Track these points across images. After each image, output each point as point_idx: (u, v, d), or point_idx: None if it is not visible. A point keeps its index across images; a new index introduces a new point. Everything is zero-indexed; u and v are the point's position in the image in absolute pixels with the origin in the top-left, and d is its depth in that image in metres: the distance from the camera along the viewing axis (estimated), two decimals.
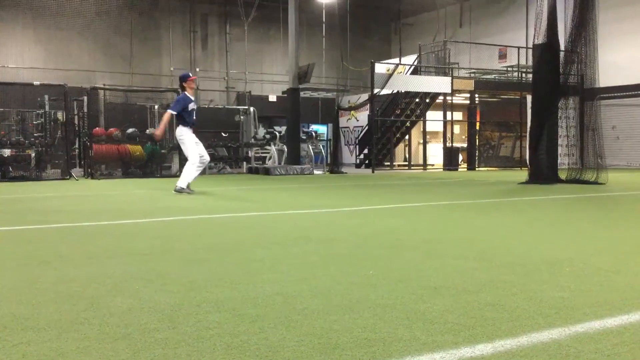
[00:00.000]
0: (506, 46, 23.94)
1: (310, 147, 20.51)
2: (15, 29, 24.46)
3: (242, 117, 20.59)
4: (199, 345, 2.20)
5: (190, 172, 9.74)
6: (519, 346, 2.18)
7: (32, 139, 15.40)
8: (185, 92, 9.84)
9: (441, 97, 21.55)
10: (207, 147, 18.11)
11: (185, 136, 9.73)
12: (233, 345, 2.19)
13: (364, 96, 23.80)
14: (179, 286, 3.13)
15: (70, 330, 2.37)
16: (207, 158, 10.16)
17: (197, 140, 9.90)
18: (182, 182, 9.73)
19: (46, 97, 16.34)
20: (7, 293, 3.02)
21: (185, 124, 9.70)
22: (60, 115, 16.02)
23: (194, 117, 9.85)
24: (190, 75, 10.11)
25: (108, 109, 17.16)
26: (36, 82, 15.82)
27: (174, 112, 9.68)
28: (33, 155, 14.71)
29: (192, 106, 9.77)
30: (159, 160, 16.36)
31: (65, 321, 2.50)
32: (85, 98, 16.07)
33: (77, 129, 16.69)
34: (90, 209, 7.73)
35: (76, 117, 16.81)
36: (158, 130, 10.45)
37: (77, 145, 17.06)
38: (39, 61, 24.32)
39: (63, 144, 15.18)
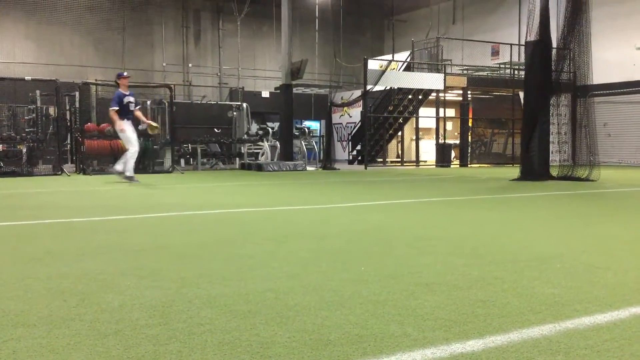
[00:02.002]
0: (499, 43, 24.00)
1: (303, 143, 20.51)
2: (7, 24, 24.31)
3: (234, 113, 20.57)
4: (190, 342, 2.19)
5: (129, 159, 11.16)
6: (509, 342, 2.18)
7: (24, 134, 15.33)
8: (120, 89, 11.41)
9: (434, 94, 21.59)
10: (199, 142, 18.26)
11: (125, 126, 11.12)
12: (224, 342, 2.19)
13: (357, 92, 23.83)
14: (171, 282, 3.12)
15: (61, 327, 2.37)
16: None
17: (134, 129, 11.36)
18: (128, 171, 11.14)
19: (38, 92, 16.27)
20: None
21: (122, 116, 11.15)
22: (51, 110, 15.97)
23: (131, 109, 11.38)
24: (125, 74, 11.81)
25: (100, 104, 17.09)
26: (28, 77, 15.74)
27: (116, 108, 11.12)
28: (24, 150, 14.64)
29: (127, 99, 11.28)
30: (152, 156, 16.31)
31: (56, 317, 2.50)
32: (77, 93, 16.02)
33: (68, 124, 16.63)
34: (82, 204, 7.70)
35: (68, 112, 16.75)
36: (116, 126, 11.43)
37: (68, 141, 17.01)
38: (30, 56, 24.19)
39: (55, 139, 15.12)
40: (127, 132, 11.21)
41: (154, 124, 12.03)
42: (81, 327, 2.36)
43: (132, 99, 11.48)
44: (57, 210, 7.03)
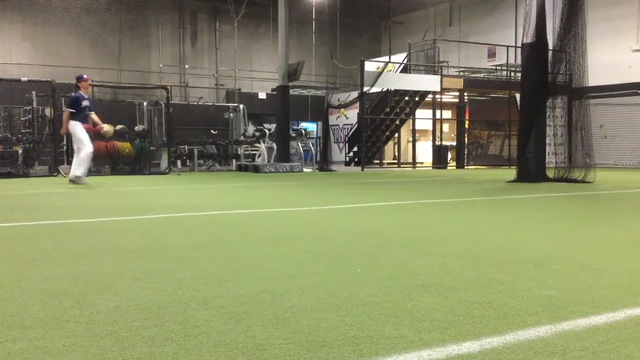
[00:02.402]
0: (495, 45, 24.04)
1: (300, 145, 20.51)
2: (3, 25, 24.27)
3: (231, 114, 20.57)
4: (186, 343, 2.19)
5: (85, 161, 11.22)
6: (505, 344, 2.19)
7: (20, 136, 15.28)
8: (80, 92, 11.46)
9: (430, 96, 21.62)
10: (196, 144, 18.25)
11: (78, 128, 11.16)
12: (220, 343, 2.19)
13: (354, 94, 23.83)
14: (167, 284, 3.12)
15: (56, 328, 2.36)
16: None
17: (85, 132, 11.37)
18: (79, 170, 11.09)
19: (34, 93, 16.22)
20: None
21: (78, 118, 11.19)
22: (48, 111, 15.91)
23: (86, 113, 11.44)
24: (85, 77, 11.86)
25: (96, 105, 17.03)
26: (24, 78, 15.71)
27: (72, 110, 11.20)
28: (20, 151, 14.60)
29: (84, 103, 11.36)
30: (148, 157, 16.29)
31: (51, 319, 2.49)
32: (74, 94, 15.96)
33: None
34: (78, 206, 7.68)
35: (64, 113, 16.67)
36: (62, 130, 11.67)
37: (64, 142, 16.95)
38: (26, 57, 24.14)
39: (51, 140, 15.08)
40: (79, 134, 11.20)
41: (109, 128, 12.18)
42: (76, 329, 2.35)
43: (88, 102, 11.56)
44: (53, 211, 7.01)
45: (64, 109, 11.47)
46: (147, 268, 3.53)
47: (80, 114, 11.25)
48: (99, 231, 5.24)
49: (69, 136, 12.38)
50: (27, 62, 23.80)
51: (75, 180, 11.11)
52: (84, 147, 11.11)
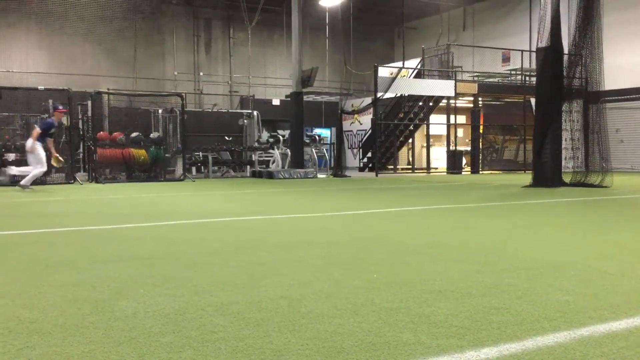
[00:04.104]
0: (509, 49, 23.94)
1: (314, 151, 20.52)
2: (20, 34, 24.56)
3: (245, 120, 20.65)
4: (203, 349, 2.20)
5: (36, 176, 12.40)
6: (524, 350, 2.17)
7: None
8: (53, 118, 13.04)
9: (444, 101, 21.56)
10: (210, 151, 18.33)
11: (39, 148, 12.31)
12: (238, 349, 2.19)
13: (367, 100, 23.82)
14: (183, 290, 3.13)
15: (75, 334, 2.38)
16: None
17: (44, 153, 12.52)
18: (28, 181, 12.21)
19: (50, 101, 16.37)
20: (13, 297, 3.03)
21: (43, 140, 12.46)
22: (64, 119, 16.05)
23: (51, 138, 12.77)
24: (60, 107, 13.61)
25: (112, 113, 17.19)
26: (40, 87, 15.87)
27: (40, 131, 12.38)
28: None
29: (53, 130, 12.87)
30: (163, 164, 16.38)
31: (70, 325, 2.51)
32: (90, 102, 16.12)
33: (81, 133, 16.74)
34: (95, 213, 7.74)
35: (80, 121, 16.85)
36: (28, 145, 12.43)
37: (81, 150, 17.10)
38: (43, 66, 24.41)
39: (67, 148, 15.20)
40: (40, 153, 12.32)
41: (60, 158, 13.00)
42: (95, 335, 2.37)
43: (54, 130, 13.05)
44: (71, 218, 7.07)
45: (35, 127, 12.89)
46: (163, 274, 3.55)
47: (44, 137, 12.52)
48: (116, 238, 5.27)
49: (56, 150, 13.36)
50: (43, 70, 24.07)
51: (24, 189, 12.12)
52: (42, 167, 12.41)
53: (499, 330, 2.40)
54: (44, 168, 12.49)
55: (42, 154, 12.34)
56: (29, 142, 12.32)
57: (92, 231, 5.80)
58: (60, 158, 13.05)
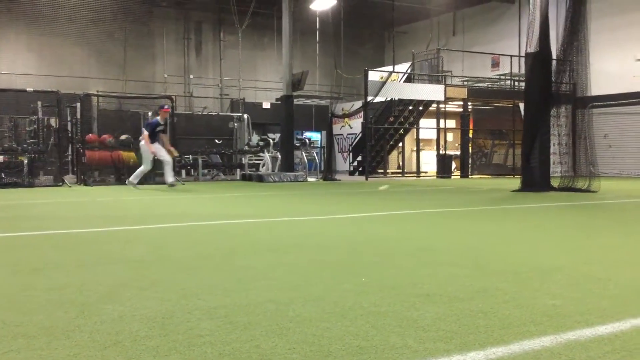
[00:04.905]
0: (499, 54, 24.06)
1: (304, 154, 20.51)
2: (9, 36, 24.40)
3: (235, 124, 20.60)
4: (190, 353, 2.19)
5: (142, 172, 13.34)
6: (510, 354, 2.18)
7: (25, 146, 15.34)
8: (158, 117, 13.54)
9: (434, 105, 21.62)
10: (200, 154, 18.28)
11: (155, 146, 13.11)
12: (225, 353, 2.19)
13: (358, 104, 23.87)
14: (171, 293, 3.12)
15: (61, 338, 2.36)
16: None
17: None
18: (135, 178, 13.14)
19: (39, 103, 16.29)
20: None
21: (155, 138, 13.17)
22: (53, 121, 15.98)
23: (161, 132, 13.53)
24: (166, 107, 14.11)
25: (101, 115, 17.12)
26: (29, 89, 15.78)
27: (147, 133, 13.09)
28: (26, 161, 14.65)
29: (160, 127, 13.41)
30: (153, 168, 16.28)
31: (56, 328, 2.49)
32: (79, 104, 16.03)
33: (70, 135, 16.63)
34: (83, 215, 7.70)
35: (69, 123, 16.75)
36: (144, 149, 13.31)
37: (70, 152, 17.00)
38: (32, 68, 24.24)
39: (56, 150, 15.14)
40: (157, 151, 13.23)
41: (173, 151, 13.75)
42: (81, 338, 2.35)
43: (162, 127, 13.75)
44: (58, 221, 7.03)
45: (143, 130, 13.54)
46: (151, 278, 3.53)
47: (156, 135, 13.30)
48: (104, 241, 5.25)
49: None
50: (32, 72, 23.90)
51: (135, 187, 13.14)
52: (147, 166, 13.39)
53: (485, 334, 2.41)
54: (149, 167, 13.46)
55: (157, 151, 13.17)
56: (143, 146, 13.23)
57: (79, 234, 5.77)
58: (174, 150, 13.77)
